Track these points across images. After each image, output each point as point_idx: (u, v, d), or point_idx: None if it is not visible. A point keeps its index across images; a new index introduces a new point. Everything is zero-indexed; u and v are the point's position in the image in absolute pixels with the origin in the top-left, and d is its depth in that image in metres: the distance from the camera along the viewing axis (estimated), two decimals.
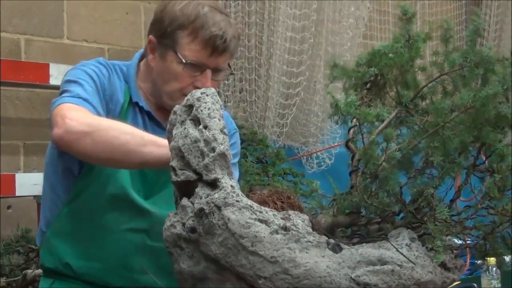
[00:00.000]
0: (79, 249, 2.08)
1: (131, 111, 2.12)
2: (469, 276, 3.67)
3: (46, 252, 2.13)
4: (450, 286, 1.62)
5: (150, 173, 2.09)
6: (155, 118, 2.15)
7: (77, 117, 1.87)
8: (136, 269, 2.07)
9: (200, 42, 2.04)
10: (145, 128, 2.10)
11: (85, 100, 1.96)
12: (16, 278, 3.25)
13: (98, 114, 1.97)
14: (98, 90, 2.04)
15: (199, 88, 2.04)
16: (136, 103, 2.13)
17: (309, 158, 4.79)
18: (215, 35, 2.03)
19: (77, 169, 2.08)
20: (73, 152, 1.91)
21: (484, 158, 1.68)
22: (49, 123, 1.96)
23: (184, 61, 2.04)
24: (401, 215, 1.68)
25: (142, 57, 2.20)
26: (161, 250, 1.88)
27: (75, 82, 2.02)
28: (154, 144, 1.82)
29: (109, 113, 2.04)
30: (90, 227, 2.08)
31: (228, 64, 2.14)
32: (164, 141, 1.78)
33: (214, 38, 2.03)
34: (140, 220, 2.08)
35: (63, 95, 1.98)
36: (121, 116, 2.08)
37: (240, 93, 4.53)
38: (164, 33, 2.08)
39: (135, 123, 2.09)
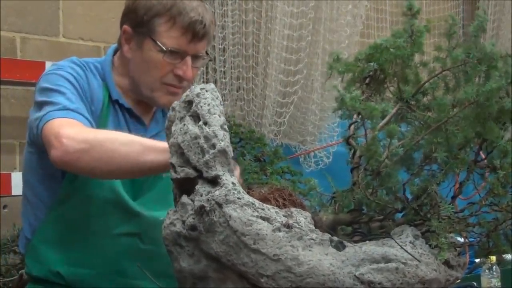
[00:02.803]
0: (69, 256, 2.02)
1: (111, 109, 2.08)
2: (468, 275, 3.64)
3: (33, 261, 2.06)
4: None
5: None
6: (135, 115, 2.10)
7: (72, 134, 1.79)
8: (130, 274, 2.02)
9: (179, 28, 2.00)
10: (127, 125, 2.08)
11: (73, 110, 1.90)
12: (12, 278, 3.22)
13: (89, 122, 1.91)
14: (80, 94, 1.99)
15: (179, 75, 2.03)
16: (116, 101, 2.08)
17: (307, 156, 4.77)
18: (194, 20, 1.99)
19: (60, 173, 2.01)
20: (75, 171, 1.86)
21: (483, 155, 1.66)
22: (39, 140, 1.89)
23: (164, 48, 2.00)
24: (402, 212, 1.66)
25: (116, 51, 2.14)
26: (155, 253, 1.86)
27: (56, 91, 1.95)
28: (155, 151, 1.76)
29: (91, 114, 1.99)
30: (80, 232, 2.02)
31: (206, 51, 2.10)
32: (164, 145, 1.73)
33: (193, 23, 1.99)
34: (132, 223, 2.03)
35: (48, 108, 1.90)
36: (102, 115, 2.03)
37: (237, 91, 4.51)
38: (140, 22, 2.02)
39: (116, 122, 2.06)
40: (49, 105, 1.91)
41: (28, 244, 2.07)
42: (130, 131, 2.07)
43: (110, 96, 2.07)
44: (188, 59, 2.03)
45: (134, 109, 2.10)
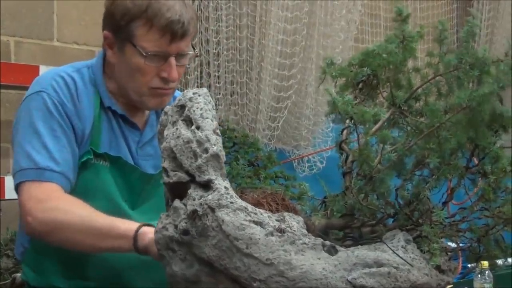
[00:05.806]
0: (67, 268, 2.00)
1: (104, 117, 2.04)
2: (461, 280, 3.65)
3: (30, 270, 2.04)
4: None
5: (136, 181, 2.04)
6: (129, 120, 2.07)
7: (35, 213, 1.87)
8: (129, 286, 2.01)
9: (157, 30, 1.93)
10: (121, 132, 2.05)
11: (45, 169, 1.91)
12: (5, 282, 3.21)
13: (61, 175, 1.92)
14: (59, 123, 1.96)
15: (165, 78, 1.98)
16: (109, 108, 2.04)
17: (301, 161, 4.78)
18: (171, 21, 1.92)
19: None
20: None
21: (476, 160, 1.67)
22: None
23: (144, 53, 1.95)
24: (394, 217, 1.67)
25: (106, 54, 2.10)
26: (154, 264, 1.85)
27: (33, 133, 1.94)
28: (111, 237, 1.80)
29: (78, 129, 1.98)
30: None
31: (192, 45, 2.05)
32: (121, 227, 1.79)
33: (171, 24, 1.92)
34: None
35: (23, 163, 1.92)
36: (95, 125, 2.00)
37: (231, 96, 4.51)
38: (118, 27, 1.97)
39: (110, 129, 2.04)
40: (24, 157, 1.93)
41: (24, 252, 2.06)
42: (125, 137, 2.06)
43: (102, 103, 2.04)
44: (172, 60, 1.97)
45: (127, 115, 2.07)
